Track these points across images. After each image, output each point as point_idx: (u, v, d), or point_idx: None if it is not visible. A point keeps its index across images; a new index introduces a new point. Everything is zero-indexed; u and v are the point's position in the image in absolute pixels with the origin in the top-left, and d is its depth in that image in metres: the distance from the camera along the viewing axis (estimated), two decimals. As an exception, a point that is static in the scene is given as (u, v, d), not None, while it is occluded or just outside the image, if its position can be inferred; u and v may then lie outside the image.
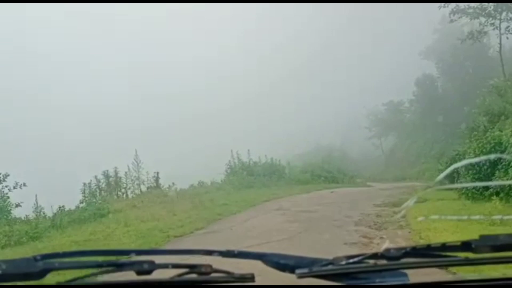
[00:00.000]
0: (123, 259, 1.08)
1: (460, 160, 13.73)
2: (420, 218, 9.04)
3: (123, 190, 18.58)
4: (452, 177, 15.14)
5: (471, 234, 1.16)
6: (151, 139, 46.95)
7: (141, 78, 61.31)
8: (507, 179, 10.03)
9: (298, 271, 1.04)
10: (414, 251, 1.05)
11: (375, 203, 13.06)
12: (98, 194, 17.03)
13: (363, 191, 19.86)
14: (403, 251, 1.03)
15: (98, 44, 63.76)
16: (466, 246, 1.00)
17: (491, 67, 30.40)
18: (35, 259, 1.00)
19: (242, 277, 1.05)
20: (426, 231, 7.41)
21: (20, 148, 39.73)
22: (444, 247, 1.04)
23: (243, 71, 62.62)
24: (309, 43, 63.73)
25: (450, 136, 30.84)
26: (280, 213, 11.63)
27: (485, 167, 11.29)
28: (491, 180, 10.83)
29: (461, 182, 12.65)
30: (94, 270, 1.04)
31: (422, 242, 6.37)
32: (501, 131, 12.40)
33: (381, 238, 7.53)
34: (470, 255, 1.00)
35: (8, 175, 12.55)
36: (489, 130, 12.98)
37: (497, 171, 10.93)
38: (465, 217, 7.78)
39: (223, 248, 1.15)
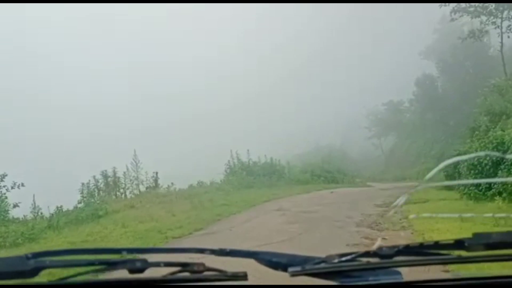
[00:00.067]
0: (116, 257, 1.07)
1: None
2: (411, 216, 9.03)
3: (121, 190, 18.42)
4: (453, 177, 15.14)
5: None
6: (151, 139, 47.00)
7: (141, 78, 61.38)
8: None
9: (290, 269, 1.04)
10: (407, 249, 1.04)
11: (376, 203, 12.95)
12: (96, 195, 16.90)
13: (363, 191, 19.78)
14: (396, 249, 1.03)
15: (98, 44, 63.86)
16: (459, 244, 1.00)
17: (491, 67, 30.37)
18: (26, 257, 1.00)
19: (235, 275, 1.05)
20: (430, 232, 7.31)
21: (20, 148, 39.74)
22: (437, 245, 1.03)
23: (243, 71, 62.65)
24: (309, 43, 63.77)
25: (450, 136, 30.84)
26: (280, 213, 11.52)
27: (487, 166, 11.21)
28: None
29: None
30: (86, 269, 1.04)
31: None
32: (503, 131, 12.30)
33: (384, 239, 7.42)
34: (463, 253, 1.00)
35: (6, 175, 12.39)
36: (491, 129, 12.90)
37: (499, 171, 10.87)
38: (456, 215, 7.74)
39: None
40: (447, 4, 25.19)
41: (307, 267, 1.04)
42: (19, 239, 9.34)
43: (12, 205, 12.31)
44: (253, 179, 21.82)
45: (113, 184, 18.15)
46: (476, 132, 14.21)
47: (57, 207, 12.79)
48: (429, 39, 44.38)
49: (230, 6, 57.25)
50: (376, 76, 54.98)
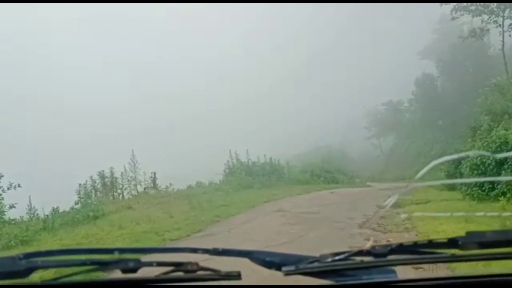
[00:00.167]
0: (109, 257, 1.07)
1: (463, 159, 13.69)
2: (402, 215, 8.97)
3: (119, 191, 18.14)
4: (455, 177, 15.08)
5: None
6: (151, 139, 47.02)
7: (141, 78, 61.40)
8: None
9: (284, 268, 1.04)
10: (401, 248, 1.04)
11: (377, 204, 12.69)
12: (93, 195, 16.59)
13: (363, 191, 19.63)
14: (390, 248, 1.02)
15: (98, 44, 63.87)
16: (453, 243, 1.00)
17: (491, 66, 30.33)
18: (18, 258, 1.00)
19: (228, 275, 1.05)
20: (435, 234, 7.16)
21: (20, 148, 39.77)
22: (431, 244, 1.03)
23: (243, 71, 62.65)
24: (309, 43, 63.75)
25: (450, 135, 30.81)
26: (280, 214, 11.39)
27: (491, 166, 11.16)
28: (496, 180, 10.70)
29: (465, 182, 12.55)
30: (79, 269, 1.03)
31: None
32: (507, 130, 12.21)
33: (388, 241, 7.25)
34: (457, 251, 1.00)
35: (2, 176, 12.13)
36: (494, 129, 12.80)
37: (503, 171, 10.81)
38: (448, 214, 7.68)
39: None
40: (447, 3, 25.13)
41: (301, 266, 1.04)
42: (12, 242, 9.16)
43: (8, 206, 12.07)
44: (252, 179, 21.64)
45: (111, 185, 17.87)
46: (478, 132, 14.11)
47: (53, 208, 12.60)
48: (429, 39, 44.37)
49: (230, 6, 57.34)
50: (376, 76, 55.01)
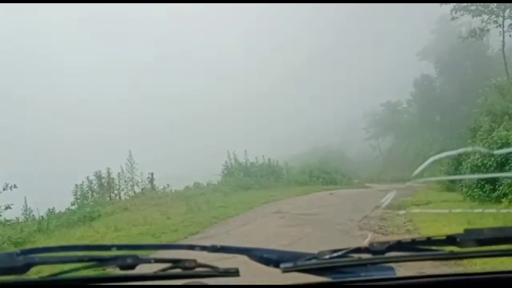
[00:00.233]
0: (106, 254, 1.07)
1: (463, 160, 13.67)
2: (401, 212, 8.93)
3: (116, 191, 17.85)
4: (455, 179, 15.02)
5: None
6: (151, 139, 47.04)
7: (141, 78, 61.44)
8: None
9: (282, 265, 1.04)
10: (399, 245, 1.04)
11: (377, 205, 12.72)
12: (89, 196, 16.36)
13: (362, 192, 19.57)
14: (388, 245, 1.02)
15: (98, 44, 63.89)
16: (451, 240, 1.00)
17: (489, 67, 30.33)
18: (16, 254, 1.00)
19: (227, 271, 1.04)
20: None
21: (20, 148, 39.74)
22: (429, 241, 1.03)
23: (243, 71, 62.71)
24: (309, 43, 63.82)
25: (449, 136, 30.80)
26: (280, 216, 11.25)
27: (492, 168, 11.13)
28: (498, 181, 10.65)
29: (465, 183, 12.54)
30: (77, 265, 1.03)
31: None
32: (508, 131, 12.14)
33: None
34: (455, 249, 1.00)
35: None
36: (495, 129, 12.74)
37: (505, 172, 10.74)
38: (446, 211, 7.67)
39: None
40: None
41: (299, 263, 1.03)
42: (5, 244, 8.99)
43: (4, 207, 11.87)
44: (251, 180, 21.50)
45: (107, 186, 17.58)
46: (479, 133, 14.04)
47: (49, 209, 12.46)
48: (428, 40, 44.36)
49: (230, 6, 57.40)
50: (376, 76, 55.08)
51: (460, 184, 13.39)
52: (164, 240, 8.67)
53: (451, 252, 1.01)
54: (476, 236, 0.99)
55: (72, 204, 14.44)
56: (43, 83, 56.02)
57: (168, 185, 18.61)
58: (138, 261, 1.03)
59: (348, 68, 59.20)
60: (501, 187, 10.43)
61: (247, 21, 63.69)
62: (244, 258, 1.10)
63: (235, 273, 1.04)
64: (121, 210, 13.82)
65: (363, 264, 1.05)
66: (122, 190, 18.05)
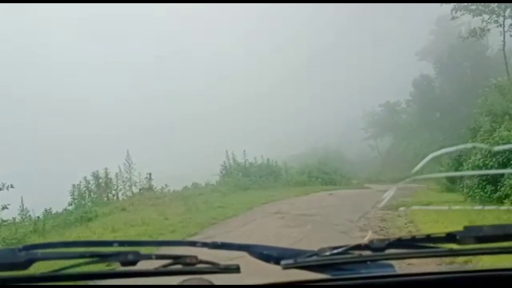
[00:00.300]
0: (108, 250, 1.07)
1: (464, 161, 13.65)
2: (401, 209, 8.90)
3: (113, 192, 17.61)
4: (455, 179, 15.03)
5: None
6: (150, 139, 47.03)
7: (141, 78, 61.43)
8: None
9: (283, 262, 1.04)
10: (399, 242, 1.04)
11: (377, 206, 12.51)
12: (87, 196, 16.15)
13: (361, 193, 19.48)
14: (388, 242, 1.03)
15: (98, 43, 63.86)
16: (450, 237, 1.00)
17: (489, 67, 30.32)
18: (18, 249, 1.00)
19: (227, 268, 1.05)
20: None
21: (20, 148, 39.72)
22: (429, 238, 1.03)
23: (243, 71, 62.73)
24: (309, 43, 63.86)
25: (448, 137, 30.79)
26: (279, 216, 11.18)
27: (494, 168, 11.04)
28: (500, 182, 10.61)
29: (466, 184, 12.54)
30: (78, 261, 1.04)
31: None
32: (509, 131, 12.08)
33: None
34: (455, 246, 1.00)
35: None
36: (496, 130, 12.71)
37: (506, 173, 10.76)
38: (446, 208, 7.66)
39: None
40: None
41: (299, 260, 1.04)
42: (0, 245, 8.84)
43: (1, 207, 11.77)
44: (249, 180, 21.37)
45: (105, 186, 17.34)
46: (480, 133, 14.01)
47: (45, 210, 12.32)
48: (428, 40, 44.41)
49: (230, 6, 57.39)
50: (376, 76, 55.11)
51: (461, 185, 13.35)
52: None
53: (451, 250, 1.02)
54: (476, 233, 0.99)
55: (69, 204, 14.31)
56: (43, 83, 56.03)
57: (166, 185, 18.46)
58: (139, 257, 1.04)
59: (348, 68, 59.30)
60: (502, 188, 10.35)
61: (247, 21, 63.79)
62: (244, 255, 1.11)
63: (236, 269, 1.05)
64: (118, 211, 13.68)
65: (363, 261, 1.05)
66: (120, 190, 17.84)
